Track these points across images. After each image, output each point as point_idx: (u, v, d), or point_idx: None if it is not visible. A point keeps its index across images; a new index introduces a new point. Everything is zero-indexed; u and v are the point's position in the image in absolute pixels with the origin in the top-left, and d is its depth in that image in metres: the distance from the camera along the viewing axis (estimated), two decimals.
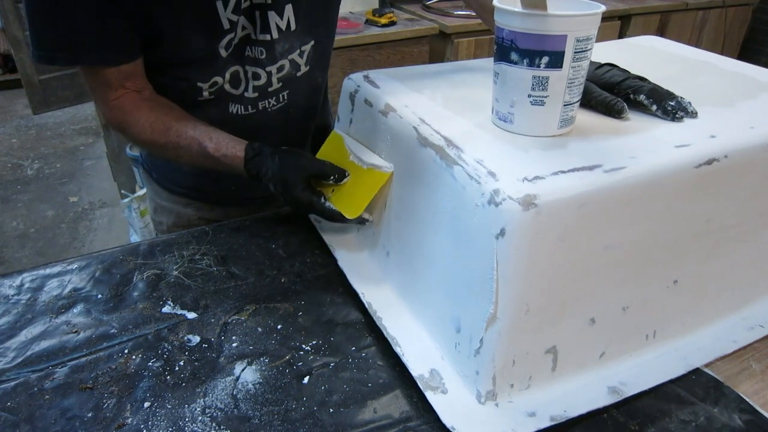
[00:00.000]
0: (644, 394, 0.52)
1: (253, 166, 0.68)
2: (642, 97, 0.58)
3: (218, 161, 0.69)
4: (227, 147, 0.69)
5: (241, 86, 0.77)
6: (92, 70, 0.68)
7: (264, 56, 0.75)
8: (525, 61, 0.50)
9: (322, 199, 0.65)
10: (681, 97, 0.58)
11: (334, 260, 0.69)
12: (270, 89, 0.79)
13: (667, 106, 0.57)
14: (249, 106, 0.79)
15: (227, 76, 0.74)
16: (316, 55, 0.81)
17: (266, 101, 0.80)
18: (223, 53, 0.71)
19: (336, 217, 0.65)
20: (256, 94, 0.78)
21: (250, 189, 0.73)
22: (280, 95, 0.81)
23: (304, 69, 0.80)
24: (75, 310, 0.63)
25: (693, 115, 0.57)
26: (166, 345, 0.58)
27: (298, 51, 0.78)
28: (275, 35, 0.73)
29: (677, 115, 0.57)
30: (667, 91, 0.58)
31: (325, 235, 0.73)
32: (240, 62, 0.74)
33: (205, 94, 0.75)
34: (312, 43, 0.79)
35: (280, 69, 0.77)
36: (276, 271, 0.69)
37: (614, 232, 0.50)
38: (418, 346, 0.55)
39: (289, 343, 0.58)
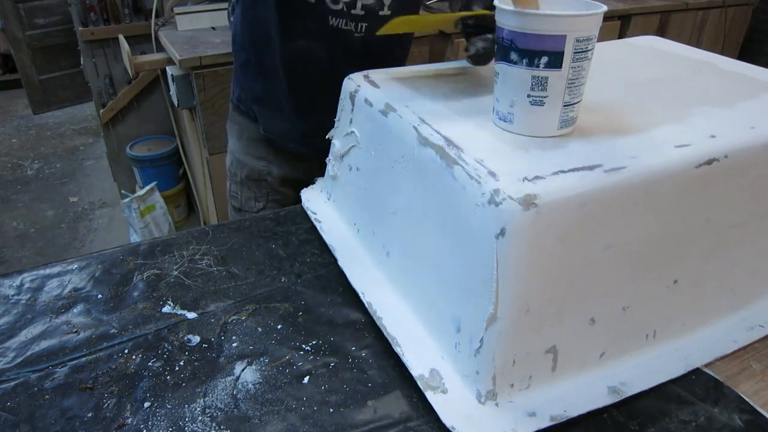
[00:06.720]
0: (644, 394, 0.52)
1: None
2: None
3: None
4: None
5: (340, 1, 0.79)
6: None
7: None
8: (524, 61, 0.50)
9: None
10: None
11: (334, 260, 0.68)
12: (381, 13, 0.80)
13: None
14: (349, 22, 0.80)
15: None
16: (398, 5, 0.83)
17: (361, 25, 0.81)
18: None
19: None
20: (363, 13, 0.80)
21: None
22: (361, 25, 0.82)
23: (386, 11, 0.82)
24: (75, 310, 0.63)
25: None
26: (166, 345, 0.58)
27: None
28: None
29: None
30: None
31: (326, 235, 0.73)
32: None
33: None
34: None
35: None
36: (276, 271, 0.69)
37: (614, 231, 0.50)
38: (418, 346, 0.55)
39: (289, 343, 0.58)
